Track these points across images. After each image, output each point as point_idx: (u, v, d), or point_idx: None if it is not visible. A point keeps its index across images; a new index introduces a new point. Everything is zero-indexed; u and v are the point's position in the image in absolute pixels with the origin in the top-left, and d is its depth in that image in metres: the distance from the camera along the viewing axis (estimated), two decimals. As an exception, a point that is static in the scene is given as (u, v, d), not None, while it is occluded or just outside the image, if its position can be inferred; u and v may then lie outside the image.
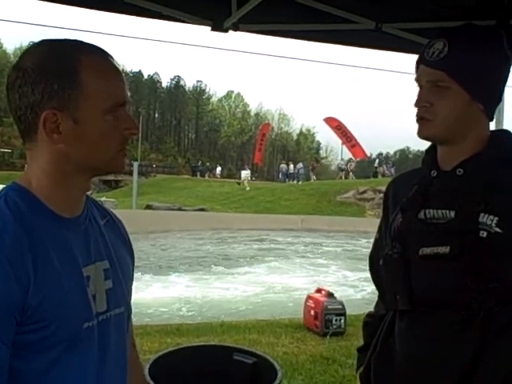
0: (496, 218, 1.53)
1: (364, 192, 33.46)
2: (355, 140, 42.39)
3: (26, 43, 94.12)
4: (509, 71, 1.70)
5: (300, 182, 41.46)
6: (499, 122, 3.42)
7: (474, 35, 1.65)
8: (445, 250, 1.57)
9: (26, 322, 1.16)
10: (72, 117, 1.23)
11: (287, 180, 47.22)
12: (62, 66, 1.22)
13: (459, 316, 1.56)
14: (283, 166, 51.82)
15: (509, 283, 1.53)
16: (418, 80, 1.68)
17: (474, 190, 1.59)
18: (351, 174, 43.64)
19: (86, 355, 1.25)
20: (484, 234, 1.53)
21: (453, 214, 1.60)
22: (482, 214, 1.54)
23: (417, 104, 1.66)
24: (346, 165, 44.47)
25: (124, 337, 1.40)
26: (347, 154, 48.33)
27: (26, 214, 1.22)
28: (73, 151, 1.25)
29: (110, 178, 50.59)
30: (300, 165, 46.60)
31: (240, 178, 46.01)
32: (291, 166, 49.32)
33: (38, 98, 1.21)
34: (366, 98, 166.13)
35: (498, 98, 1.70)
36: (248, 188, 40.57)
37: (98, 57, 1.28)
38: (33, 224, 1.22)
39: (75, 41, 1.30)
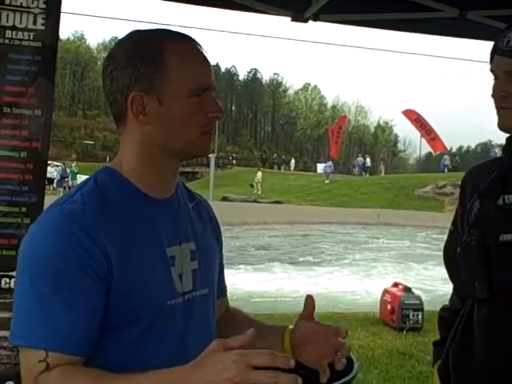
0: None
1: (443, 186, 32.63)
2: (435, 133, 41.34)
3: (108, 38, 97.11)
4: None
5: (327, 181, 39.81)
6: None
7: None
8: None
9: (111, 295, 1.21)
10: (157, 98, 1.28)
11: (363, 174, 46.64)
12: (148, 51, 1.29)
13: None
14: (360, 159, 51.25)
15: None
16: (493, 71, 1.63)
17: None
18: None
19: (168, 333, 1.29)
20: None
21: None
22: None
23: (494, 94, 1.61)
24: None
25: (208, 318, 1.43)
26: (426, 147, 47.29)
27: (113, 193, 1.29)
28: (158, 133, 1.30)
29: (188, 169, 51.52)
30: (329, 163, 43.72)
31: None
32: (367, 160, 48.73)
33: (126, 82, 1.28)
34: (446, 89, 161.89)
35: None
36: (260, 191, 38.23)
37: (183, 42, 1.33)
38: (120, 203, 1.29)
39: (163, 29, 1.37)
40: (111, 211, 1.26)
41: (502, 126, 1.63)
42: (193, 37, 1.35)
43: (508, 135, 1.73)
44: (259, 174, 40.65)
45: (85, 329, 1.19)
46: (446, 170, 42.29)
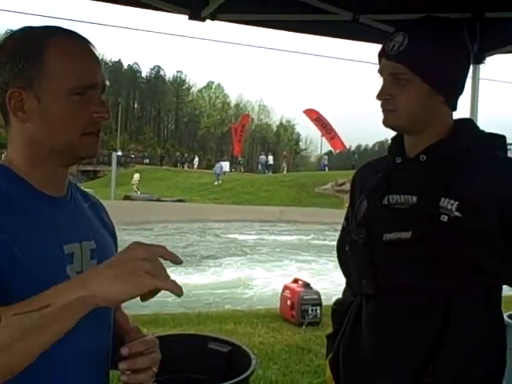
0: (456, 203, 1.56)
1: (343, 184, 33.58)
2: (334, 132, 42.54)
3: (3, 31, 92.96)
4: (469, 63, 1.72)
5: (216, 183, 39.44)
6: (474, 113, 3.45)
7: (434, 27, 1.66)
8: (407, 235, 1.60)
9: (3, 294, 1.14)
10: (36, 95, 1.24)
11: (266, 171, 47.23)
12: (28, 47, 1.25)
13: (422, 300, 1.59)
14: (262, 157, 51.86)
15: (469, 267, 1.56)
16: (380, 72, 1.70)
17: (435, 176, 1.63)
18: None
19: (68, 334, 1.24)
20: (445, 218, 1.56)
21: (415, 198, 1.63)
22: (442, 199, 1.57)
23: (378, 97, 1.68)
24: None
25: (107, 317, 1.40)
26: (327, 146, 48.58)
27: (7, 188, 1.24)
28: (39, 131, 1.26)
29: (89, 168, 50.23)
30: (223, 163, 43.69)
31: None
32: (270, 158, 49.40)
33: (5, 78, 1.24)
34: (346, 89, 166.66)
35: (460, 89, 1.71)
36: (139, 193, 35.75)
37: (68, 39, 1.28)
38: (16, 199, 1.23)
39: (51, 26, 1.31)
40: (9, 208, 1.20)
41: (386, 125, 1.71)
42: (82, 34, 1.31)
43: (393, 136, 1.81)
44: (136, 175, 38.25)
45: None
46: (326, 169, 43.67)
